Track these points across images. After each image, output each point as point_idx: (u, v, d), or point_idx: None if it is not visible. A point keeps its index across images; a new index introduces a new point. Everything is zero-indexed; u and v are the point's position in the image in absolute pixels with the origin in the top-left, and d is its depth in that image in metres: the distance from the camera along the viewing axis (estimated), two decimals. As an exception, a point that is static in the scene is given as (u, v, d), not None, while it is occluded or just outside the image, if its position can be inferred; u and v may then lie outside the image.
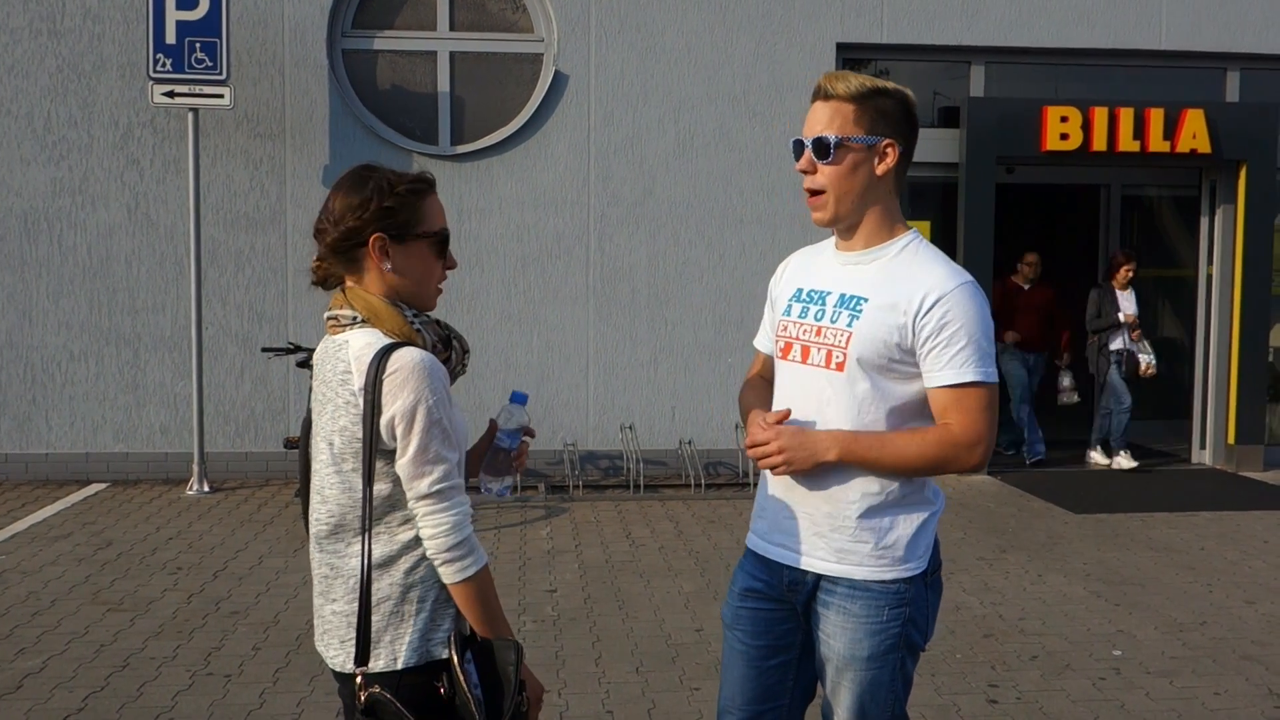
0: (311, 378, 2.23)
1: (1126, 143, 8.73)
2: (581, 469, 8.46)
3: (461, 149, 8.40)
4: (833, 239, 2.52)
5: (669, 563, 6.20)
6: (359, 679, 2.07)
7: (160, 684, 4.38)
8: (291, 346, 7.24)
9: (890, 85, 2.38)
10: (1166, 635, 5.08)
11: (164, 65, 7.53)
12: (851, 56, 8.86)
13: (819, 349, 2.40)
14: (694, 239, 8.54)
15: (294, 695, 4.28)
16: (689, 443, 8.49)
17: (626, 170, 8.47)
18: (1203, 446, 9.46)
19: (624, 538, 6.76)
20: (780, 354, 2.51)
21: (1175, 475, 8.90)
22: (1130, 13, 8.85)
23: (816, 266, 2.53)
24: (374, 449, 2.05)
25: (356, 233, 2.10)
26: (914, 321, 2.31)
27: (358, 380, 2.05)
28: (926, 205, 9.06)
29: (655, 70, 8.45)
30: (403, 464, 2.04)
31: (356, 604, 2.08)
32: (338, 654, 2.13)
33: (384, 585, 2.08)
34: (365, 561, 2.07)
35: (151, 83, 7.60)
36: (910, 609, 2.39)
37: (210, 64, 7.57)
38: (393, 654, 2.07)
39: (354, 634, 2.08)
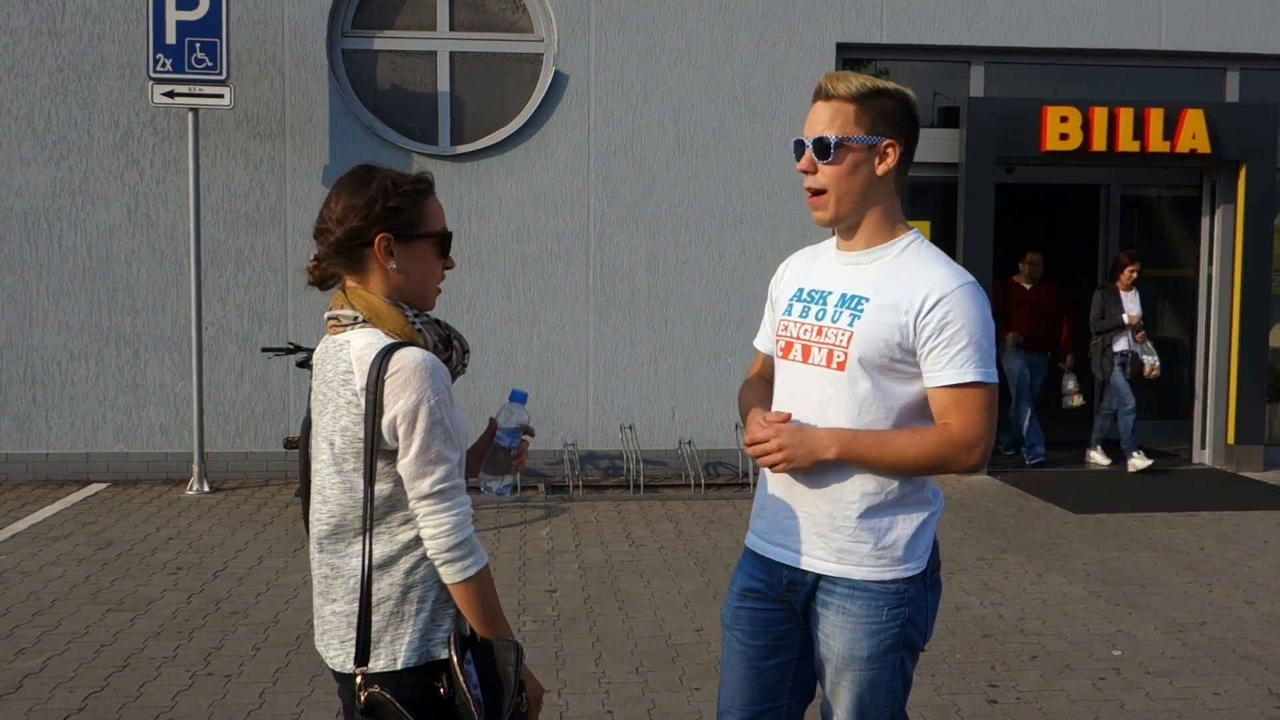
0: (311, 378, 2.23)
1: (1126, 143, 8.73)
2: (581, 469, 8.46)
3: (461, 149, 8.40)
4: (834, 239, 2.52)
5: (669, 563, 6.21)
6: (359, 679, 2.07)
7: (160, 684, 4.38)
8: (291, 346, 7.24)
9: (891, 85, 2.38)
10: (1166, 635, 5.08)
11: (164, 65, 7.54)
12: (851, 56, 8.87)
13: (820, 349, 2.40)
14: (694, 239, 8.54)
15: (294, 695, 4.28)
16: (689, 443, 8.49)
17: (626, 170, 8.47)
18: (1203, 446, 9.46)
19: (624, 538, 6.76)
20: (781, 354, 2.51)
21: (1175, 475, 8.90)
22: (1130, 13, 8.85)
23: (818, 266, 2.53)
24: (376, 449, 2.05)
25: (362, 233, 2.10)
26: (915, 321, 2.31)
27: (359, 380, 2.05)
28: (926, 205, 9.06)
29: (655, 70, 8.45)
30: (404, 464, 2.04)
31: (357, 604, 2.08)
32: (338, 654, 2.13)
33: (384, 585, 2.08)
34: (366, 562, 2.07)
35: (151, 83, 7.61)
36: (909, 609, 2.39)
37: (210, 64, 7.57)
38: (393, 654, 2.07)
39: (354, 634, 2.08)
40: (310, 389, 2.31)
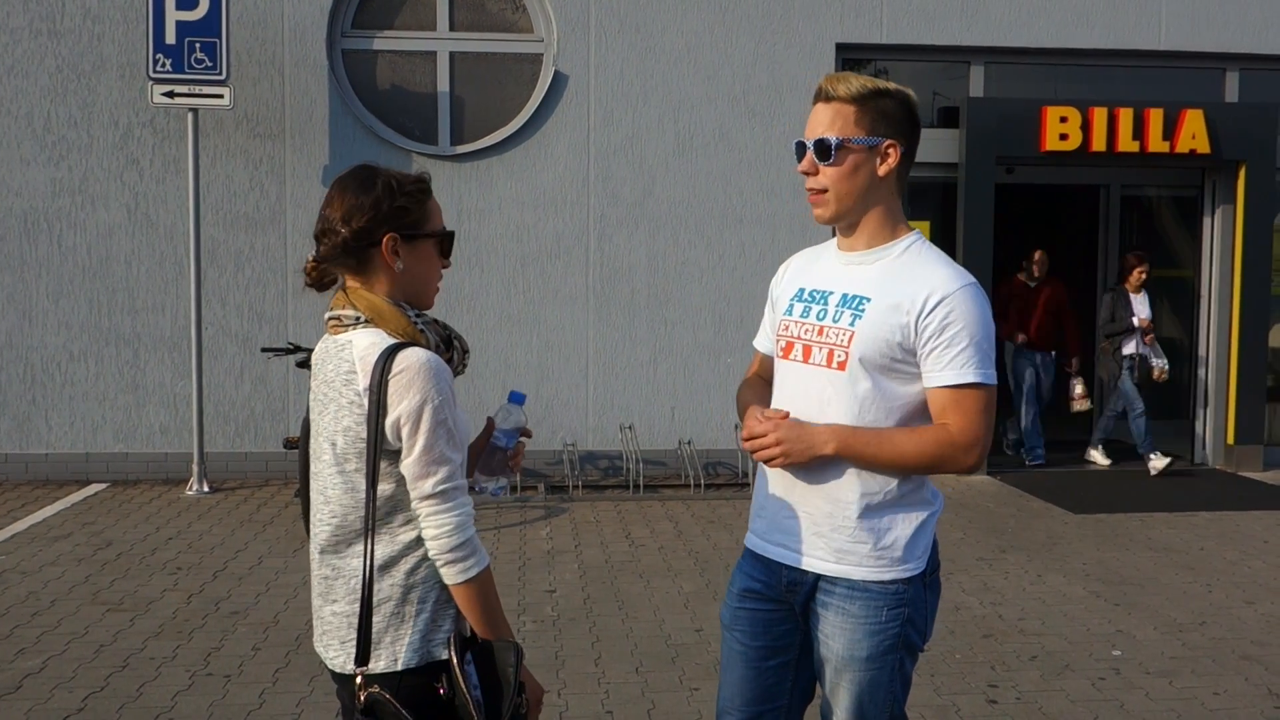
0: (311, 378, 2.23)
1: (1126, 143, 8.74)
2: (581, 469, 8.46)
3: (461, 149, 8.40)
4: (835, 239, 2.52)
5: (668, 563, 6.21)
6: (359, 679, 2.07)
7: (160, 684, 4.39)
8: (291, 346, 7.24)
9: (891, 86, 2.38)
10: (1166, 635, 5.09)
11: (164, 65, 7.54)
12: (851, 57, 8.87)
13: (820, 348, 2.40)
14: (693, 239, 8.54)
15: (293, 695, 4.28)
16: (688, 443, 8.49)
17: (626, 170, 8.47)
18: (1203, 446, 9.46)
19: (623, 538, 6.76)
20: (781, 354, 2.51)
21: (1175, 475, 8.89)
22: (1130, 13, 8.85)
23: (819, 267, 2.53)
24: (379, 449, 2.05)
25: (369, 232, 2.10)
26: (916, 322, 2.31)
27: (363, 380, 2.05)
28: (926, 205, 9.07)
29: (655, 70, 8.45)
30: (408, 464, 2.04)
31: (357, 605, 2.08)
32: (338, 655, 2.13)
33: (385, 586, 2.08)
34: (368, 562, 2.07)
35: (151, 83, 7.61)
36: (909, 609, 2.39)
37: (210, 64, 7.57)
38: (393, 655, 2.07)
39: (354, 635, 2.08)
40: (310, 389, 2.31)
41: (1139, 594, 5.72)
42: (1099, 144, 8.73)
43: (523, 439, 2.36)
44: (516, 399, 2.34)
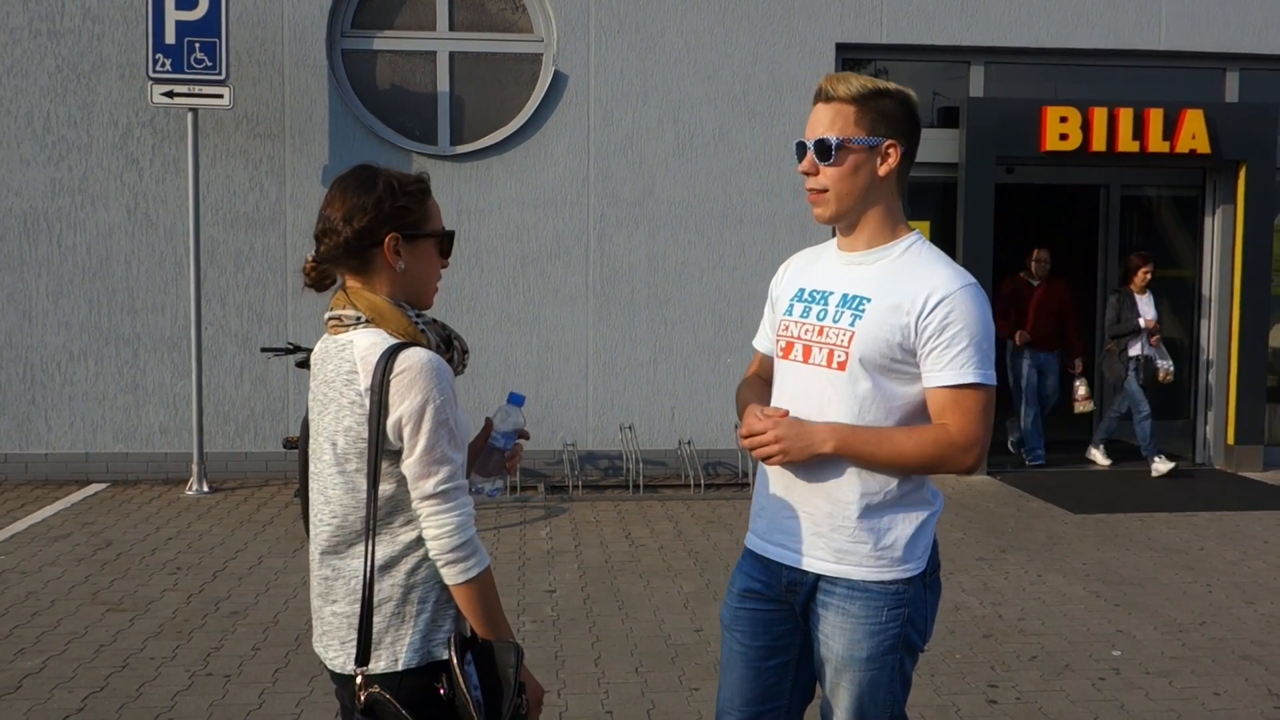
0: (310, 378, 2.23)
1: (1126, 143, 8.74)
2: (581, 469, 8.46)
3: (461, 149, 8.40)
4: (835, 240, 2.52)
5: (668, 563, 6.20)
6: (359, 679, 2.07)
7: (159, 684, 4.38)
8: (291, 346, 7.24)
9: (892, 86, 2.38)
10: (1166, 635, 5.09)
11: (163, 65, 7.53)
12: (851, 57, 8.87)
13: (821, 349, 2.40)
14: (693, 239, 8.54)
15: (293, 695, 4.28)
16: (688, 443, 8.49)
17: (626, 170, 8.47)
18: (1203, 446, 9.46)
19: (623, 538, 6.76)
20: (781, 354, 2.51)
21: (1175, 475, 8.88)
22: (1130, 13, 8.85)
23: (819, 267, 2.53)
24: (380, 449, 2.05)
25: (371, 232, 2.10)
26: (917, 322, 2.31)
27: (364, 380, 2.05)
28: (926, 205, 9.06)
29: (655, 70, 8.45)
30: (409, 464, 2.04)
31: (357, 605, 2.08)
32: (338, 655, 2.13)
33: (386, 586, 2.08)
34: (368, 563, 2.07)
35: (151, 83, 7.60)
36: (909, 610, 2.39)
37: (210, 64, 7.57)
38: (393, 655, 2.07)
39: (354, 635, 2.08)
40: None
41: (1139, 594, 5.72)
42: (1099, 144, 8.73)
43: (520, 441, 2.36)
44: (515, 401, 2.34)
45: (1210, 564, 6.32)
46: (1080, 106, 8.70)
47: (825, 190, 2.39)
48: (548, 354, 8.50)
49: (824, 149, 2.35)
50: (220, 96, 7.63)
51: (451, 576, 2.06)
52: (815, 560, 2.41)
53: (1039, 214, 11.59)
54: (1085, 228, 10.86)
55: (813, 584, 2.43)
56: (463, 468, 2.10)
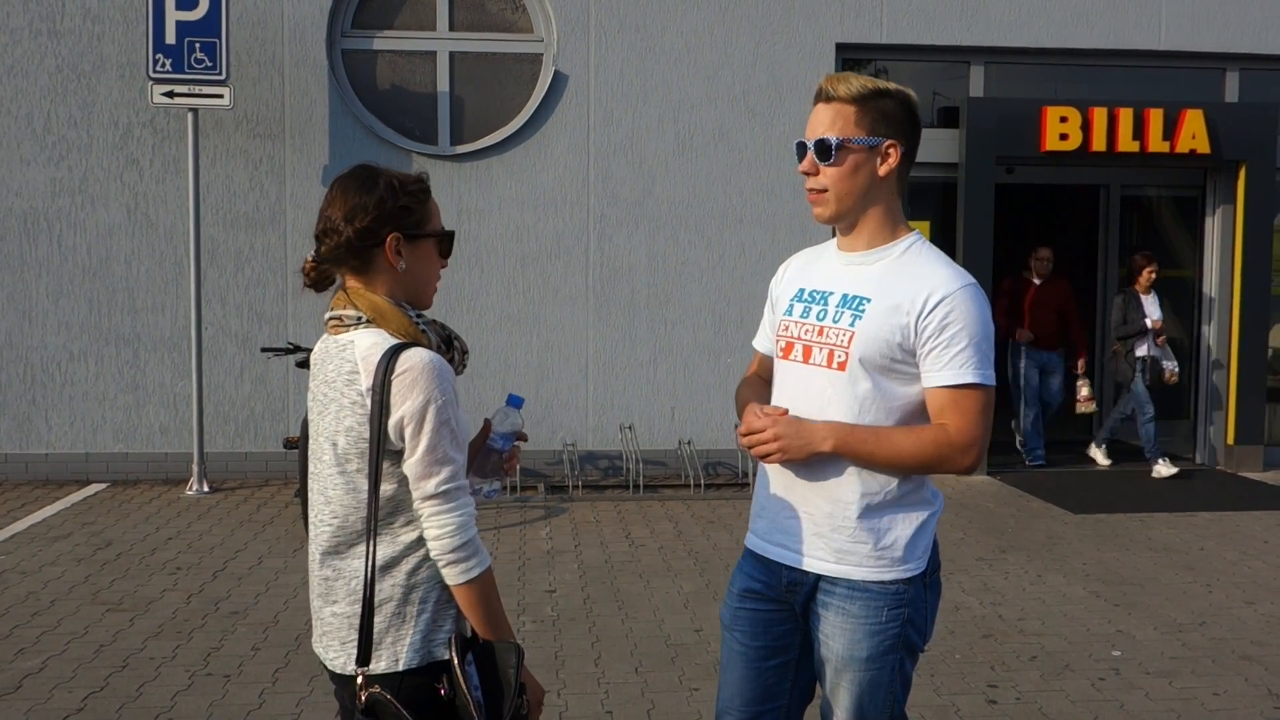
0: (310, 378, 2.23)
1: (1126, 143, 8.74)
2: (581, 469, 8.46)
3: (461, 149, 8.40)
4: (835, 240, 2.52)
5: (668, 563, 6.21)
6: (359, 679, 2.07)
7: (159, 684, 4.38)
8: (291, 346, 7.24)
9: (892, 86, 2.38)
10: (1166, 636, 5.09)
11: (164, 65, 7.53)
12: (851, 57, 8.87)
13: (821, 349, 2.40)
14: (693, 239, 8.54)
15: (293, 695, 4.28)
16: (688, 443, 8.49)
17: (626, 170, 8.47)
18: (1203, 447, 9.46)
19: (623, 538, 6.76)
20: (781, 354, 2.51)
21: (1175, 475, 8.88)
22: (1130, 13, 8.85)
23: (819, 267, 2.53)
24: (382, 450, 2.05)
25: (373, 232, 2.10)
26: (916, 322, 2.31)
27: (365, 380, 2.05)
28: (926, 205, 9.06)
29: (655, 70, 8.45)
30: (411, 464, 2.04)
31: (358, 605, 2.08)
32: (338, 655, 2.13)
33: (386, 587, 2.08)
34: (369, 563, 2.07)
35: (151, 83, 7.60)
36: (909, 610, 2.39)
37: (210, 64, 7.57)
38: (394, 655, 2.07)
39: (355, 635, 2.08)
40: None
41: (1139, 594, 5.72)
42: (1099, 144, 8.73)
43: (518, 443, 2.36)
44: (514, 402, 2.34)
45: (1210, 564, 6.32)
46: (1080, 106, 8.70)
47: (825, 190, 2.39)
48: (548, 354, 8.50)
49: (824, 149, 2.35)
50: (220, 96, 7.63)
51: (453, 577, 2.06)
52: (815, 560, 2.41)
53: (1039, 214, 11.59)
54: (1085, 228, 10.86)
55: (813, 584, 2.43)
56: (464, 468, 2.10)
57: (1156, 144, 8.75)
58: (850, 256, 2.45)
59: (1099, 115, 8.68)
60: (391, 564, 2.08)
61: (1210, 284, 9.37)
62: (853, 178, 2.36)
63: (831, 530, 2.39)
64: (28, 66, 8.02)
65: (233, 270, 8.23)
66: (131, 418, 8.24)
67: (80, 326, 8.16)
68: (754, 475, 8.06)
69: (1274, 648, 4.95)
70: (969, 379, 2.30)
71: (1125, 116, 8.70)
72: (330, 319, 2.16)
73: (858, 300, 2.38)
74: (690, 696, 4.31)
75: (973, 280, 2.37)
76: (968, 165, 8.73)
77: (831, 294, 2.44)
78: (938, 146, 8.64)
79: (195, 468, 7.86)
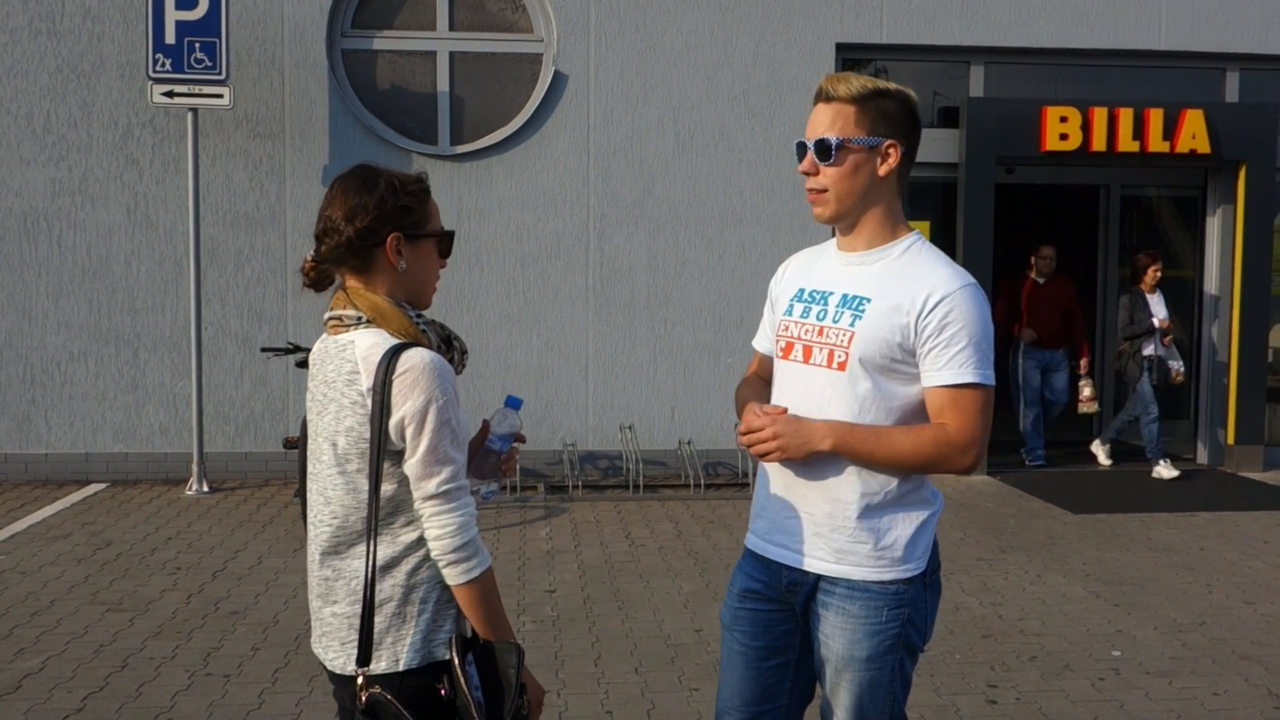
0: (309, 378, 2.23)
1: (1126, 143, 8.73)
2: (581, 469, 8.46)
3: (461, 149, 8.40)
4: (834, 240, 2.52)
5: (668, 563, 6.20)
6: (360, 679, 2.06)
7: (159, 684, 4.38)
8: (291, 346, 7.24)
9: (892, 86, 2.38)
10: (1166, 636, 5.08)
11: (163, 65, 7.53)
12: (851, 57, 8.87)
13: (821, 349, 2.40)
14: (693, 239, 8.54)
15: (293, 695, 4.28)
16: (688, 443, 8.49)
17: (626, 170, 8.47)
18: (1203, 447, 9.46)
19: (623, 538, 6.76)
20: (781, 354, 2.51)
21: (1194, 479, 8.84)
22: (1130, 13, 8.85)
23: (818, 267, 2.53)
24: (383, 450, 2.04)
25: (374, 232, 2.10)
26: (916, 321, 2.31)
27: (366, 381, 2.05)
28: (926, 205, 9.06)
29: (655, 70, 8.45)
30: (412, 464, 2.04)
31: (358, 605, 2.08)
32: (337, 656, 2.13)
33: (386, 587, 2.08)
34: (370, 563, 2.07)
35: (151, 83, 7.60)
36: (909, 610, 2.39)
37: (210, 64, 7.57)
38: (394, 655, 2.07)
39: (355, 635, 2.08)
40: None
41: (1139, 594, 5.72)
42: (1099, 144, 8.72)
43: (516, 444, 2.36)
44: (513, 404, 2.34)
45: (1210, 564, 6.32)
46: (1080, 106, 8.70)
47: (825, 190, 2.39)
48: (548, 354, 8.50)
49: (824, 149, 2.35)
50: (220, 96, 7.63)
51: (454, 577, 2.06)
52: (815, 560, 2.41)
53: (1039, 214, 11.59)
54: (1085, 228, 10.86)
55: (813, 584, 2.43)
56: (464, 468, 2.10)
57: (1156, 144, 8.75)
58: (850, 256, 2.45)
59: (1099, 115, 8.68)
60: (392, 564, 2.08)
61: (1210, 284, 9.37)
62: (853, 178, 2.36)
63: (831, 530, 2.39)
64: (28, 66, 8.02)
65: (233, 270, 8.23)
66: (131, 418, 8.23)
67: (80, 326, 8.16)
68: (754, 475, 8.06)
69: (1274, 648, 4.95)
70: (968, 378, 2.30)
71: (1125, 116, 8.70)
72: (330, 319, 2.16)
73: (858, 300, 2.38)
74: (690, 696, 4.31)
75: (972, 280, 2.37)
76: (968, 165, 8.73)
77: (831, 294, 2.44)
78: (938, 146, 8.64)
79: (195, 468, 7.86)
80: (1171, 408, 9.76)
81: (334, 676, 2.16)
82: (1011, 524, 7.23)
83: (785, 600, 2.48)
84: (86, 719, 4.06)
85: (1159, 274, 8.80)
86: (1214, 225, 9.36)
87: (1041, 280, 9.26)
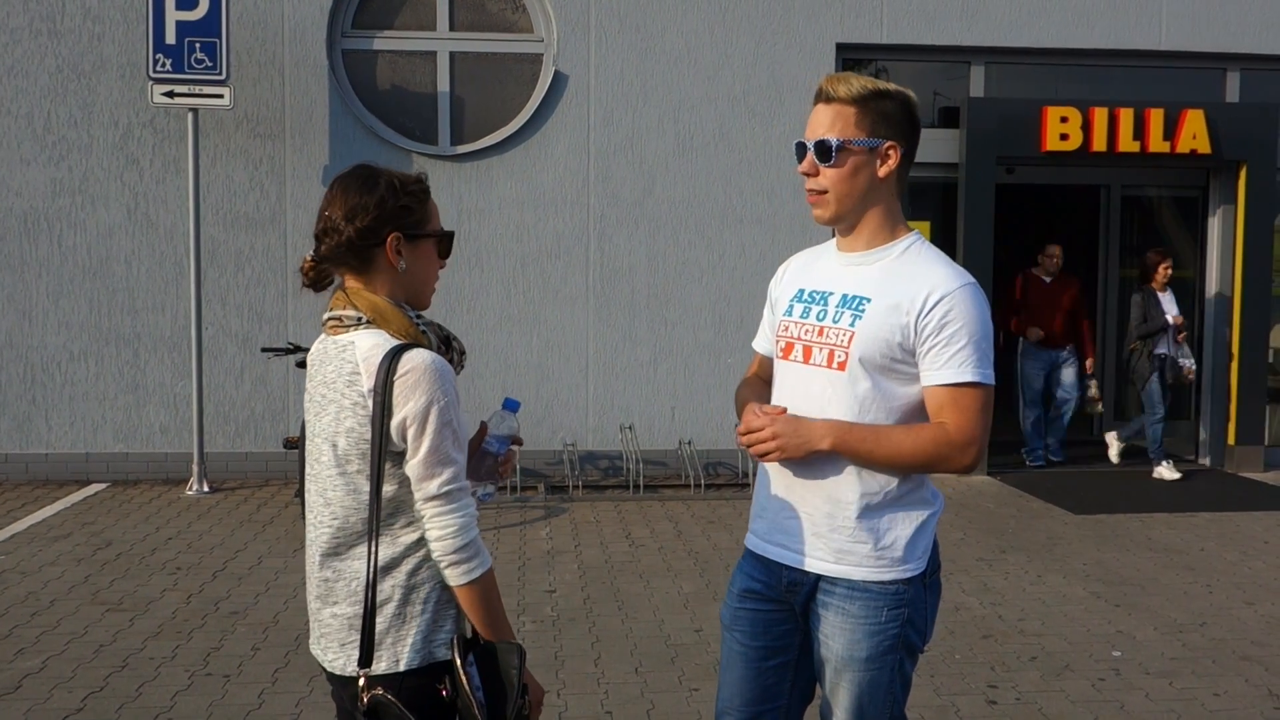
0: (307, 379, 2.23)
1: (1126, 143, 8.73)
2: (581, 469, 8.46)
3: (461, 149, 8.40)
4: (834, 240, 2.52)
5: (668, 563, 6.20)
6: (362, 681, 2.06)
7: (159, 684, 4.38)
8: (291, 346, 7.25)
9: (892, 87, 2.38)
10: (1166, 636, 5.08)
11: (164, 65, 7.53)
12: (851, 57, 8.86)
13: (821, 349, 2.40)
14: (693, 239, 8.54)
15: (293, 695, 4.28)
16: (689, 443, 8.49)
17: (626, 170, 8.47)
18: (1203, 447, 9.45)
19: (623, 538, 6.76)
20: (781, 354, 2.51)
21: (1194, 479, 8.83)
22: (1130, 13, 8.85)
23: (818, 268, 2.53)
24: (384, 451, 2.04)
25: (374, 231, 2.10)
26: (916, 321, 2.31)
27: (367, 382, 2.04)
28: (926, 205, 9.06)
29: (655, 70, 8.45)
30: (413, 465, 2.04)
31: (359, 606, 2.08)
32: (337, 657, 2.12)
33: (387, 587, 2.08)
34: (372, 564, 2.07)
35: (151, 83, 7.60)
36: (909, 610, 2.39)
37: (210, 64, 7.57)
38: (395, 656, 2.07)
39: (355, 636, 2.08)
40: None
41: (1139, 594, 5.72)
42: (1100, 144, 8.72)
43: (513, 447, 2.36)
44: (511, 406, 2.34)
45: (1210, 564, 6.32)
46: (1081, 107, 8.70)
47: (825, 192, 2.39)
48: (548, 354, 8.50)
49: (824, 150, 2.35)
50: (220, 96, 7.63)
51: (455, 577, 2.06)
52: (815, 560, 2.41)
53: (1040, 214, 11.59)
54: (1086, 228, 10.87)
55: (813, 584, 2.43)
56: (465, 469, 2.10)
57: (1157, 144, 8.75)
58: (850, 257, 2.45)
59: (1099, 115, 8.68)
60: (392, 565, 2.08)
61: (1211, 284, 9.36)
62: (853, 179, 2.36)
63: (831, 530, 2.39)
64: (28, 66, 8.02)
65: (233, 270, 8.23)
66: (131, 418, 8.24)
67: (80, 326, 8.16)
68: (754, 475, 8.05)
69: (1274, 648, 4.95)
70: (968, 377, 2.30)
71: (1126, 117, 8.70)
72: (329, 319, 2.15)
73: (857, 300, 2.38)
74: (690, 696, 4.31)
75: (972, 279, 2.37)
76: (968, 165, 8.73)
77: (831, 294, 2.44)
78: (938, 146, 8.64)
79: (195, 468, 7.86)
80: (1172, 408, 9.76)
81: (333, 677, 2.16)
82: (1012, 524, 7.22)
83: (785, 600, 2.48)
84: (86, 719, 4.06)
85: (1169, 271, 8.74)
86: (1214, 225, 9.35)
87: (1048, 279, 9.25)
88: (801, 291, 2.51)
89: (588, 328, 8.51)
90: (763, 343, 2.68)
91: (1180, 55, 9.01)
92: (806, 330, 2.44)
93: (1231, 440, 9.17)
